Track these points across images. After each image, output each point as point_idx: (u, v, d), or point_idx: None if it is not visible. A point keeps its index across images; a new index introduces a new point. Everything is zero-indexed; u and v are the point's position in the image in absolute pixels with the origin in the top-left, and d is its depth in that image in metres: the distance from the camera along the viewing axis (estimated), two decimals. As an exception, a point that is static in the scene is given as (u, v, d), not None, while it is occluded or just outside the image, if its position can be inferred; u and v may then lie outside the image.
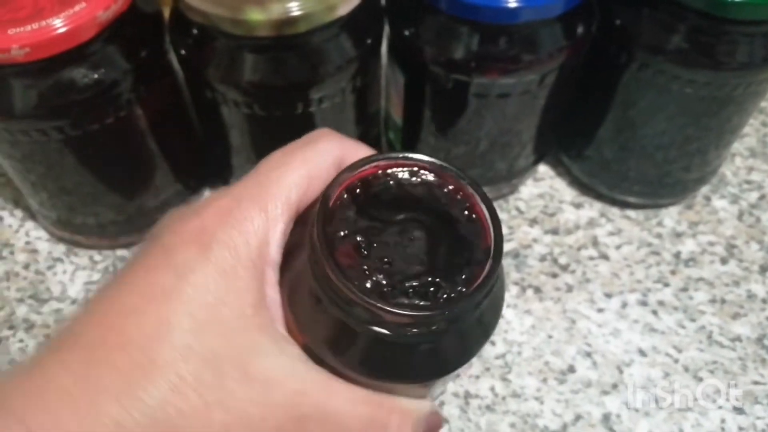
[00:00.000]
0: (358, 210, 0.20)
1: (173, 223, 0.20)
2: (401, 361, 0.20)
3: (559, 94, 0.37)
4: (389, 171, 0.21)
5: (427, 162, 0.21)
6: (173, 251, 0.19)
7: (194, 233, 0.20)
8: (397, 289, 0.19)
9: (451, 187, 0.21)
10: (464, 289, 0.19)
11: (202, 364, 0.18)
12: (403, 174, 0.21)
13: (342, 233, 0.19)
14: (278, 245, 0.20)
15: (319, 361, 0.21)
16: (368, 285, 0.19)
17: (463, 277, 0.19)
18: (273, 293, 0.20)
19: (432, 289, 0.19)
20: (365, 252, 0.19)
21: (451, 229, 0.21)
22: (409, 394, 0.22)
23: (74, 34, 0.30)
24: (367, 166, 0.20)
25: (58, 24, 0.30)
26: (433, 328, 0.19)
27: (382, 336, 0.19)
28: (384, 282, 0.19)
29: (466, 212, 0.21)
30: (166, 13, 0.35)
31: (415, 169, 0.21)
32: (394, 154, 0.21)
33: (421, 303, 0.19)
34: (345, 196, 0.20)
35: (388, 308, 0.18)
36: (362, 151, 0.22)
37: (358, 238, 0.19)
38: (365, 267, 0.19)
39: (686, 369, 0.38)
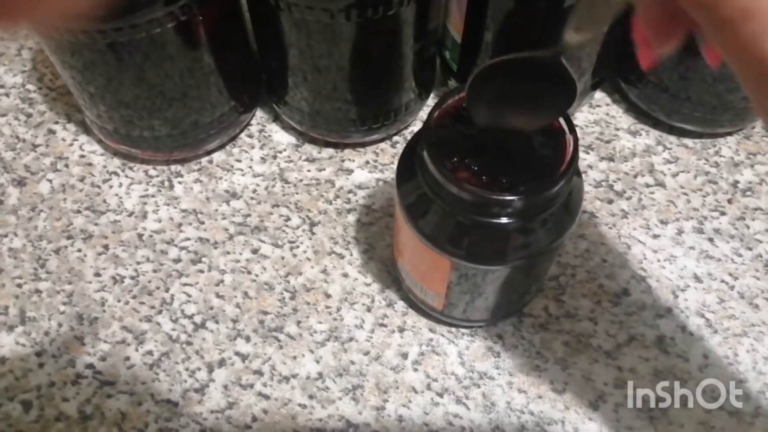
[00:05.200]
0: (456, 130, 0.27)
1: None
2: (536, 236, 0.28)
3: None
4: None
5: None
6: None
7: None
8: (513, 182, 0.26)
9: None
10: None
11: None
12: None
13: (452, 159, 0.26)
14: None
15: None
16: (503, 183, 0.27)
17: (556, 151, 0.27)
18: None
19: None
20: (477, 168, 0.27)
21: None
22: None
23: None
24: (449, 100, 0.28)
25: None
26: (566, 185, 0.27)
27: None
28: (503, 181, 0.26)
29: None
30: None
31: None
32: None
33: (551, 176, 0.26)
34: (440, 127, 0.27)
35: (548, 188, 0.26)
36: None
37: (466, 161, 0.26)
38: (502, 180, 0.26)
39: (742, 296, 0.37)
